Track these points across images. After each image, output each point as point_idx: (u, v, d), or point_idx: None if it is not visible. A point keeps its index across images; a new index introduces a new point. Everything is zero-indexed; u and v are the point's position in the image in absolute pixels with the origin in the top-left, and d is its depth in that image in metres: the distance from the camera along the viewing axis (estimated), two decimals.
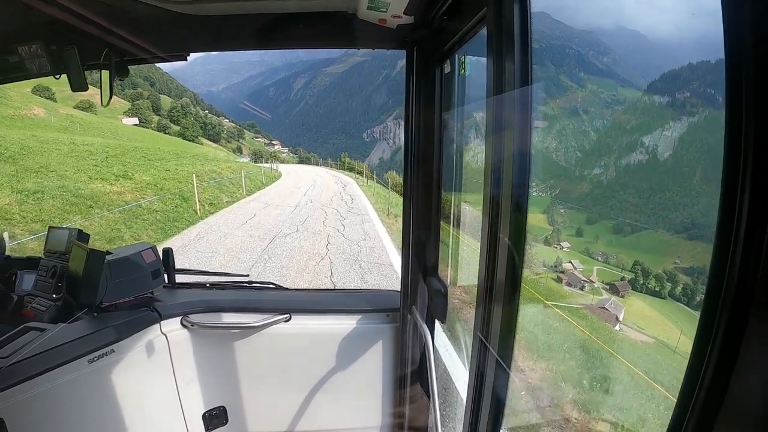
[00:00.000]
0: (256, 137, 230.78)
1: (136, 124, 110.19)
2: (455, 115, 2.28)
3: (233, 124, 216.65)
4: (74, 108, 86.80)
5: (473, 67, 2.04)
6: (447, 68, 2.14)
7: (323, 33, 2.20)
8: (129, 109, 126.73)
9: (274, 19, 2.14)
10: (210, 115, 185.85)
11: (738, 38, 0.62)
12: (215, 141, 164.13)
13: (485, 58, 1.47)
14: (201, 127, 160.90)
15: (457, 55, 2.07)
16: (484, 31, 1.51)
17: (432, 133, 2.25)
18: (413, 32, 2.13)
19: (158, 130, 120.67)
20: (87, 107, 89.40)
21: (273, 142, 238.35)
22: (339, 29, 2.17)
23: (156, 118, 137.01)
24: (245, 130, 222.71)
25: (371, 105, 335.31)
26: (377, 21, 2.09)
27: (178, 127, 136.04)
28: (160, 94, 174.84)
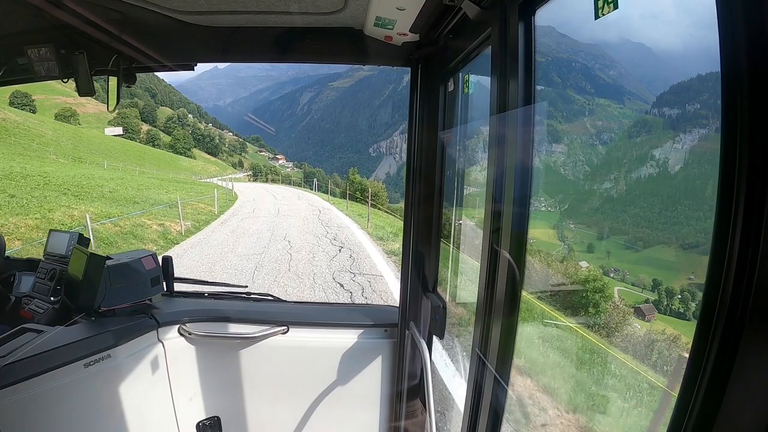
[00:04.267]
0: (260, 151, 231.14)
1: (119, 135, 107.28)
2: (458, 133, 2.30)
3: (236, 138, 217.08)
4: (55, 116, 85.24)
5: (477, 85, 2.05)
6: (451, 86, 2.16)
7: (330, 48, 2.23)
8: (114, 119, 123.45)
9: (281, 33, 2.19)
10: (210, 128, 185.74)
11: (734, 58, 0.63)
12: (213, 154, 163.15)
13: (489, 77, 1.50)
14: (198, 139, 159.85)
15: (461, 74, 2.09)
16: (488, 51, 1.53)
17: (434, 149, 2.26)
18: (418, 50, 2.16)
19: (147, 141, 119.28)
20: (69, 115, 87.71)
21: (277, 156, 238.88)
22: (345, 45, 2.20)
23: (145, 127, 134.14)
24: (248, 144, 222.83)
25: (377, 119, 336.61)
26: (383, 38, 2.13)
27: (169, 138, 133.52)
28: (162, 105, 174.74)
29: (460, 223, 2.58)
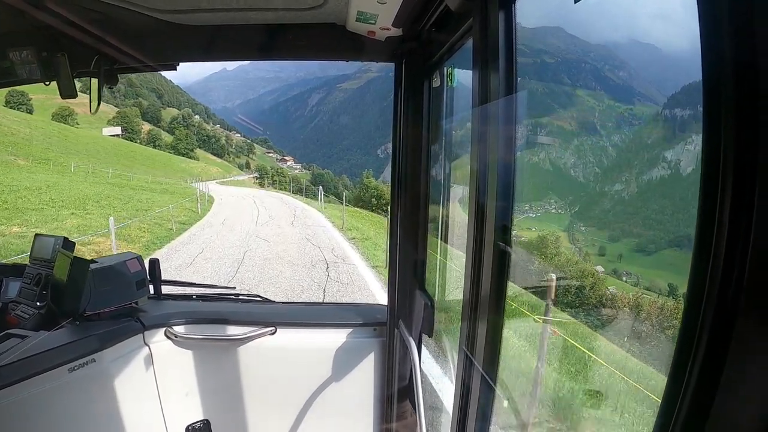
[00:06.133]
0: (268, 152, 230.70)
1: (116, 135, 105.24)
2: (443, 128, 2.28)
3: (244, 139, 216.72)
4: (52, 116, 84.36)
5: (460, 79, 2.04)
6: (436, 81, 2.15)
7: (312, 44, 2.21)
8: (113, 118, 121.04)
9: (264, 31, 2.17)
10: (217, 129, 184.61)
11: (715, 59, 0.62)
12: (219, 155, 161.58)
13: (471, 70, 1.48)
14: (204, 139, 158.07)
15: (445, 68, 2.07)
16: (470, 43, 1.51)
17: (420, 145, 2.24)
18: (402, 44, 2.15)
19: (148, 141, 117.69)
20: (67, 115, 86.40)
21: (285, 157, 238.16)
22: (328, 41, 2.18)
23: (147, 127, 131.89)
24: (256, 145, 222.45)
25: (386, 120, 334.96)
26: (366, 33, 2.10)
27: (171, 138, 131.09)
28: (169, 106, 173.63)
29: (448, 220, 2.58)
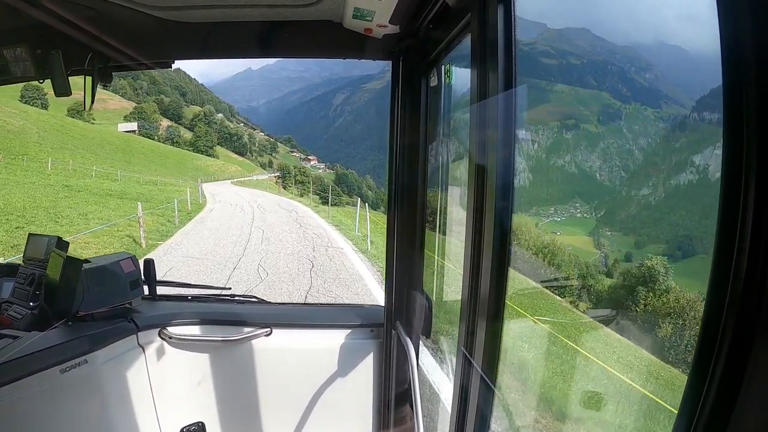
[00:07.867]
0: (292, 152, 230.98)
1: (132, 131, 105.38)
2: (441, 126, 2.26)
3: (267, 138, 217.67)
4: (68, 111, 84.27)
5: (459, 77, 2.01)
6: (434, 80, 2.11)
7: (309, 42, 2.19)
8: (131, 113, 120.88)
9: (259, 28, 2.14)
10: (240, 127, 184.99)
11: (736, 48, 0.60)
12: (241, 153, 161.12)
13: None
14: (226, 137, 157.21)
15: (443, 65, 2.04)
16: (468, 39, 1.50)
17: (417, 144, 2.21)
18: (399, 42, 2.12)
19: (166, 138, 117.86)
20: (83, 110, 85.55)
21: (309, 157, 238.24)
22: (325, 38, 2.16)
23: (165, 123, 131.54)
24: (280, 144, 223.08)
25: None
26: (363, 30, 2.08)
27: (190, 135, 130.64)
28: (192, 104, 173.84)
29: (446, 219, 2.55)
